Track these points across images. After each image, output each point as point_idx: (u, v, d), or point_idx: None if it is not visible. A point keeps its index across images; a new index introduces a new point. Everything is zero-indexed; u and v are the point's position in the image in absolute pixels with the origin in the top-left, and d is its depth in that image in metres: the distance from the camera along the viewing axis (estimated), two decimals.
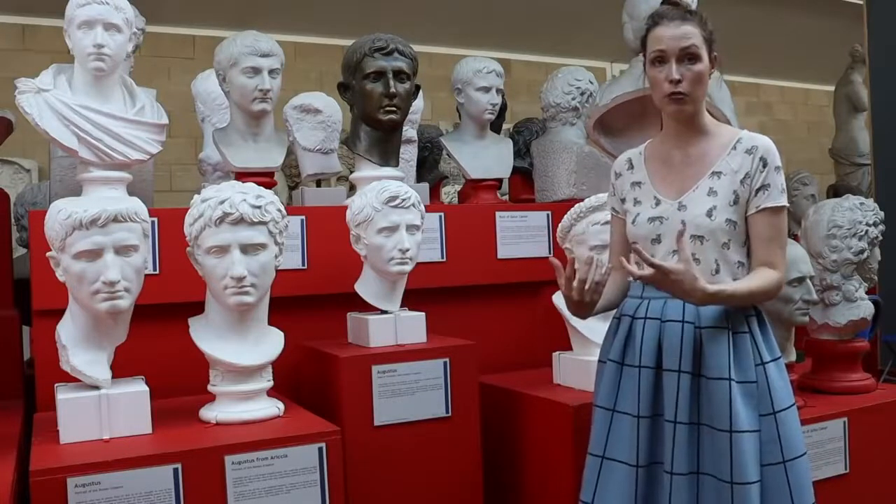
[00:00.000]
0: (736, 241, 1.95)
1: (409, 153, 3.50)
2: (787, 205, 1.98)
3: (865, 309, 2.70)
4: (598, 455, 2.00)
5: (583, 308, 1.97)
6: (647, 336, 1.96)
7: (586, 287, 1.90)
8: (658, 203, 2.00)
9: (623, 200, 2.10)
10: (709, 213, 1.93)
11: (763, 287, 1.91)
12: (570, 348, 2.68)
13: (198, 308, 2.17)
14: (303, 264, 2.79)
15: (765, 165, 1.95)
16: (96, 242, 1.89)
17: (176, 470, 1.86)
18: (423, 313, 2.59)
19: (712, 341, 1.91)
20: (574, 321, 2.61)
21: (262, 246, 2.07)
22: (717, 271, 1.94)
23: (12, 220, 3.20)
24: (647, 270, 1.81)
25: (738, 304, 1.93)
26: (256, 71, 2.71)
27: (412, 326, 2.55)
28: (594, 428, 2.04)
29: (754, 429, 1.87)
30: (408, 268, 2.51)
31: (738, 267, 1.97)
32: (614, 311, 2.14)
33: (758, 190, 1.94)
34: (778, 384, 1.94)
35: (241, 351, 2.12)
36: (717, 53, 2.00)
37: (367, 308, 2.57)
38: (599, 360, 2.11)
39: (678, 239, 1.85)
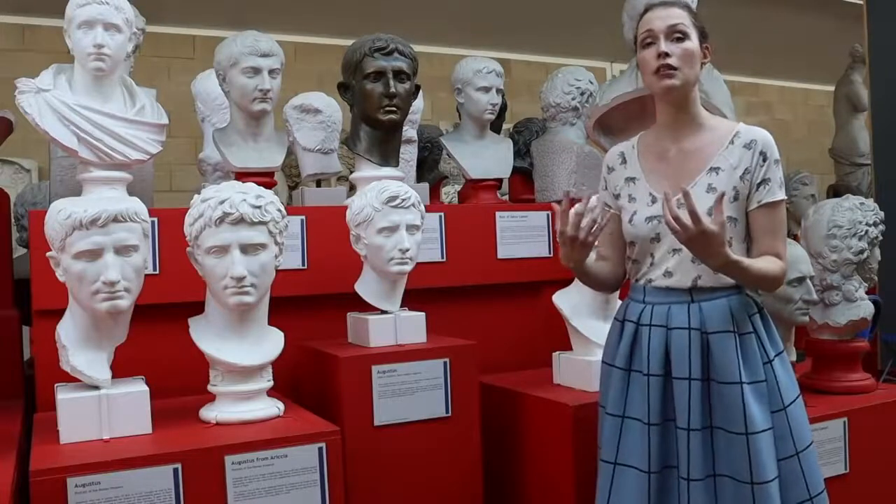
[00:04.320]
0: (737, 237, 1.95)
1: (409, 153, 3.50)
2: (786, 198, 1.98)
3: (865, 309, 2.70)
4: (611, 462, 1.99)
5: (575, 252, 1.93)
6: (653, 344, 1.96)
7: (583, 225, 1.88)
8: (654, 201, 1.99)
9: (617, 196, 2.09)
10: (709, 212, 1.91)
11: (772, 272, 1.92)
12: (570, 348, 2.67)
13: (198, 308, 2.17)
14: (303, 264, 2.79)
15: (765, 160, 1.95)
16: (96, 242, 1.89)
17: (176, 470, 1.86)
18: (423, 313, 2.59)
19: (720, 346, 1.91)
20: (574, 321, 2.61)
21: (262, 246, 2.07)
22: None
23: (12, 220, 3.20)
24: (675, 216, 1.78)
25: (744, 282, 1.93)
26: (256, 71, 2.71)
27: (412, 326, 2.55)
28: (605, 434, 2.03)
29: (768, 427, 1.89)
30: (408, 268, 2.51)
31: None
32: (615, 312, 2.13)
33: (759, 185, 1.94)
34: (784, 379, 1.96)
35: (241, 351, 2.12)
36: (709, 45, 2.00)
37: (367, 308, 2.57)
38: (604, 362, 2.10)
39: (717, 202, 1.81)
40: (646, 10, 2.02)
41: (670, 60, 1.92)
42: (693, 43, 1.95)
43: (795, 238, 2.78)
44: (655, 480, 1.93)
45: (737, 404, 1.87)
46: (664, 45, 1.92)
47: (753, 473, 1.85)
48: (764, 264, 1.92)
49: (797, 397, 1.97)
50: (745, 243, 1.98)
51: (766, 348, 1.95)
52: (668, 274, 1.97)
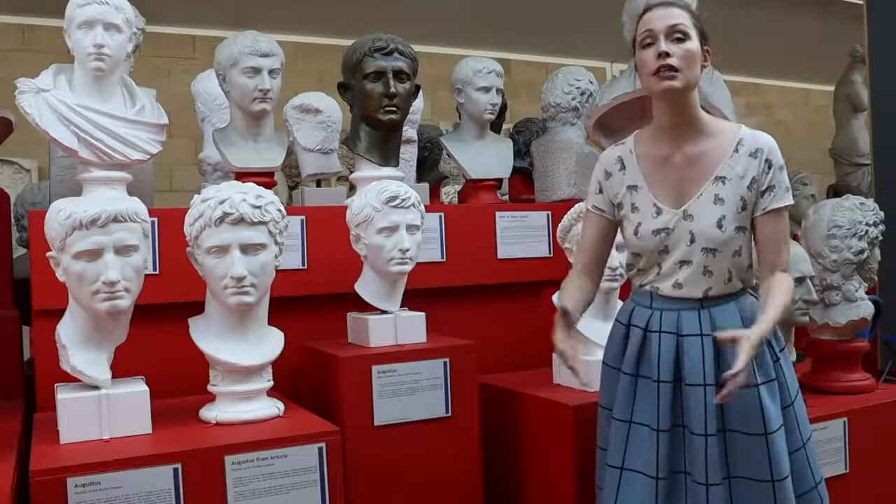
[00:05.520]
0: (746, 245, 1.95)
1: (409, 153, 3.50)
2: (792, 202, 1.97)
3: (865, 309, 2.70)
4: (617, 466, 1.98)
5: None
6: (664, 350, 1.94)
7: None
8: (660, 212, 1.96)
9: (619, 205, 2.04)
10: (719, 225, 1.90)
11: (788, 297, 1.91)
12: None
13: (198, 308, 2.17)
14: (303, 264, 2.79)
15: (770, 167, 1.93)
16: (96, 242, 1.89)
17: (176, 470, 1.86)
18: (423, 313, 2.59)
19: (734, 350, 1.88)
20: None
21: (262, 246, 2.07)
22: (729, 280, 1.94)
23: (12, 220, 3.20)
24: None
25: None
26: (256, 71, 2.71)
27: (412, 326, 2.55)
28: (611, 439, 2.01)
29: (781, 424, 1.90)
30: (408, 268, 2.51)
31: (748, 270, 1.97)
32: (617, 313, 2.13)
33: (764, 192, 1.93)
34: (788, 375, 1.98)
35: (241, 351, 2.12)
36: (709, 47, 1.96)
37: (367, 308, 2.57)
38: (607, 365, 2.08)
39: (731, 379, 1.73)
40: (645, 11, 1.97)
41: (671, 61, 1.86)
42: (694, 43, 1.90)
43: (795, 238, 2.78)
44: (663, 486, 1.92)
45: (754, 405, 1.87)
46: (664, 46, 1.87)
47: (774, 471, 1.86)
48: (781, 299, 1.89)
49: (798, 391, 2.00)
50: (751, 248, 1.98)
51: (773, 346, 1.96)
52: (677, 286, 1.95)
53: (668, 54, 1.87)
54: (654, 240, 1.96)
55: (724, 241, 1.91)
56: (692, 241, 1.92)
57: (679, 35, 1.89)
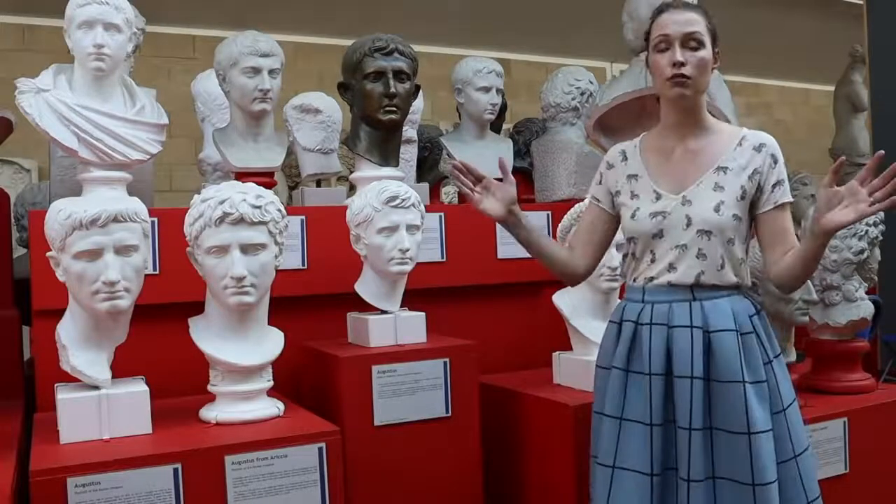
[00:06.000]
0: (739, 237, 1.95)
1: (409, 153, 3.50)
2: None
3: (865, 309, 2.70)
4: (609, 465, 1.96)
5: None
6: (654, 343, 1.94)
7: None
8: (659, 197, 1.98)
9: (617, 193, 2.07)
10: (717, 209, 1.92)
11: None
12: (570, 348, 2.67)
13: (198, 308, 2.17)
14: (303, 264, 2.79)
15: (775, 162, 1.97)
16: (96, 242, 1.89)
17: (176, 470, 1.86)
18: (423, 313, 2.59)
19: (722, 345, 1.90)
20: (574, 321, 2.61)
21: (262, 246, 2.07)
22: (722, 267, 1.93)
23: (12, 220, 3.20)
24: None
25: (819, 256, 1.90)
26: (256, 71, 2.71)
27: (412, 326, 2.55)
28: (603, 438, 2.00)
29: (769, 428, 1.88)
30: (408, 268, 2.51)
31: (741, 264, 1.97)
32: (611, 314, 2.13)
33: (774, 186, 1.96)
34: (781, 380, 1.96)
35: (241, 351, 2.12)
36: (718, 48, 1.99)
37: (367, 308, 2.57)
38: (600, 367, 2.08)
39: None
40: (661, 9, 1.98)
41: (685, 70, 1.90)
42: (708, 51, 1.93)
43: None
44: (657, 482, 1.91)
45: (739, 403, 1.86)
46: (679, 55, 1.90)
47: (756, 475, 1.83)
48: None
49: (794, 400, 1.98)
50: (745, 244, 1.98)
51: (765, 348, 1.95)
52: (671, 268, 1.95)
53: (683, 64, 1.90)
54: (651, 222, 1.97)
55: (720, 226, 1.92)
56: (688, 224, 1.93)
57: (694, 43, 1.92)
